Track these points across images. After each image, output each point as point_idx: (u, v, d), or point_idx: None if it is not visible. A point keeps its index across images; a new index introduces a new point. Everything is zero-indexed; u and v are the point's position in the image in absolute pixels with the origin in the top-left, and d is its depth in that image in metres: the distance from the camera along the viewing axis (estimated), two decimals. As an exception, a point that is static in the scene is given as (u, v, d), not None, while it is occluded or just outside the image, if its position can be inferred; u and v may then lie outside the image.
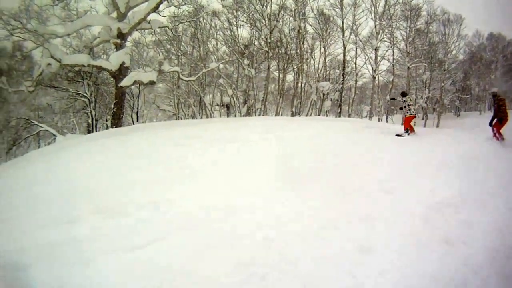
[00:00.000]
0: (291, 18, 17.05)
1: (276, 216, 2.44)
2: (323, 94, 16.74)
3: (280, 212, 2.51)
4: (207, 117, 14.81)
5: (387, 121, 19.21)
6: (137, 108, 15.21)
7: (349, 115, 18.42)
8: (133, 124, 15.07)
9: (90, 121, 16.50)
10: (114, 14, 11.54)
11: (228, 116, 15.48)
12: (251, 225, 2.31)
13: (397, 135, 6.37)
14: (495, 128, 5.94)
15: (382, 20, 20.03)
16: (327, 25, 18.42)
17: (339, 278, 1.58)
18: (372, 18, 19.99)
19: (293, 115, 15.62)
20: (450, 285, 1.61)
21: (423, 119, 22.30)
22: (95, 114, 16.24)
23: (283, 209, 2.55)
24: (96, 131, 16.06)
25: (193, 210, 2.74)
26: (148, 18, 11.71)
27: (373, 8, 19.94)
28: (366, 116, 19.32)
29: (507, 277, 1.65)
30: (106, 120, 16.27)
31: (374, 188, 2.86)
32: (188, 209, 2.77)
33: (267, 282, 1.52)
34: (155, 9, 11.35)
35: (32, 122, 17.78)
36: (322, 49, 18.25)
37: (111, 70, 11.19)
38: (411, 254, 1.80)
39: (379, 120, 18.75)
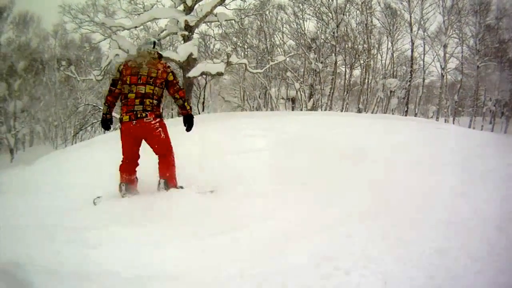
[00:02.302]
0: (357, 11, 16.53)
1: (354, 212, 2.42)
2: (390, 92, 16.07)
3: (359, 209, 2.49)
4: (272, 110, 14.87)
5: (453, 123, 18.00)
6: (203, 99, 15.63)
7: (415, 115, 17.52)
8: (199, 113, 15.51)
9: (155, 109, 17.21)
10: (181, 8, 11.76)
11: (293, 110, 15.44)
12: (331, 220, 2.30)
13: None
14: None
15: (451, 14, 18.74)
16: (394, 19, 17.63)
17: (418, 278, 1.62)
18: (440, 13, 18.80)
19: (359, 111, 15.18)
20: None
21: (490, 123, 20.64)
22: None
23: (362, 206, 2.54)
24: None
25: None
26: (215, 11, 11.82)
27: (441, 2, 18.74)
28: (432, 117, 18.27)
29: None
30: (172, 109, 16.92)
31: (447, 191, 2.83)
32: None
33: (351, 277, 1.60)
34: (222, 2, 11.40)
35: (99, 108, 18.88)
36: (390, 44, 17.53)
37: (179, 61, 11.43)
38: (484, 261, 1.74)
39: (445, 122, 17.64)
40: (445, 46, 18.37)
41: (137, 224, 2.29)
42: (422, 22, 18.07)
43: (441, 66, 17.96)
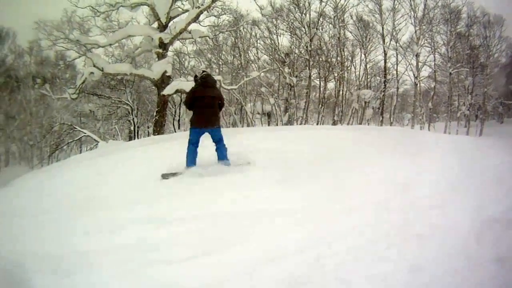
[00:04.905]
0: (330, 25, 16.82)
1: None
2: (365, 102, 16.33)
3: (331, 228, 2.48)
4: (248, 125, 14.83)
5: (429, 129, 18.40)
6: (179, 116, 15.47)
7: (391, 124, 17.82)
8: (175, 131, 15.33)
9: (132, 128, 16.96)
10: (155, 25, 11.72)
11: (269, 125, 15.45)
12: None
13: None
14: None
15: (422, 24, 19.29)
16: (367, 31, 18.00)
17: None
18: (412, 23, 19.31)
19: (334, 123, 15.33)
20: None
21: (465, 126, 21.20)
22: (137, 121, 16.68)
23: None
24: (138, 137, 16.46)
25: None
26: (189, 28, 11.82)
27: (412, 13, 19.25)
28: (407, 124, 18.62)
29: None
30: (148, 127, 16.68)
31: (422, 204, 2.80)
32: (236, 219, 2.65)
33: None
34: (196, 19, 11.43)
35: (75, 128, 18.43)
36: (363, 56, 17.84)
37: (153, 79, 11.36)
38: (462, 273, 1.75)
39: (421, 128, 18.02)
40: (417, 55, 18.84)
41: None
42: (394, 33, 18.52)
43: (414, 75, 18.40)
